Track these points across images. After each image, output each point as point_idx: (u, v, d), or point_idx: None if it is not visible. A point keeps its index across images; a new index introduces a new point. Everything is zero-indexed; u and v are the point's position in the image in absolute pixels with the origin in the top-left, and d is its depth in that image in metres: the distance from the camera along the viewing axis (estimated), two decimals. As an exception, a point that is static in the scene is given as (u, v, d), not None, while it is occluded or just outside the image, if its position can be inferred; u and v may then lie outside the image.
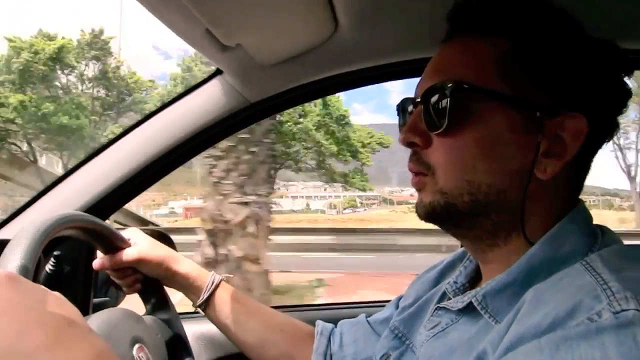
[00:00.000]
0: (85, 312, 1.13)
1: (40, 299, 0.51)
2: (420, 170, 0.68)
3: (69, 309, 0.53)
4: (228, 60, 1.04)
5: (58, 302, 0.52)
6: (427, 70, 0.69)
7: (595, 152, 0.67)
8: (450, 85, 0.63)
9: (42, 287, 0.53)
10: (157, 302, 0.98)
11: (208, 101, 1.14)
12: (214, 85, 1.14)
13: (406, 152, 0.71)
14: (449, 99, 0.62)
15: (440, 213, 0.66)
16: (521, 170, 0.61)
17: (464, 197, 0.63)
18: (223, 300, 1.00)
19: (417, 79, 0.72)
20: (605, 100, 0.64)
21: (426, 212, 0.67)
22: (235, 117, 1.16)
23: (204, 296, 0.99)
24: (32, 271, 0.58)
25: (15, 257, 0.58)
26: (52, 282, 1.08)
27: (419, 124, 0.67)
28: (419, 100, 0.68)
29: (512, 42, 0.62)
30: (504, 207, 0.63)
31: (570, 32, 0.63)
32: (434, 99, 0.64)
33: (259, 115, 1.19)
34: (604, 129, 0.65)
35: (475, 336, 0.61)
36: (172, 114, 1.15)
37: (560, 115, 0.60)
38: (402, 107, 0.76)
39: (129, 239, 0.96)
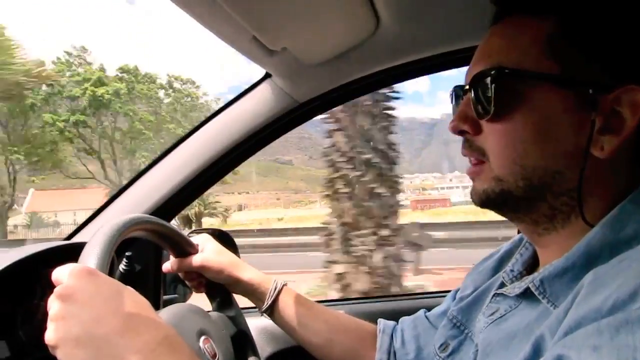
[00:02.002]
0: (156, 307, 1.20)
1: (115, 291, 0.59)
2: (475, 156, 0.67)
3: (139, 300, 0.60)
4: (275, 64, 1.08)
5: (130, 294, 0.60)
6: (475, 57, 0.68)
7: None
8: (494, 70, 0.62)
9: (115, 280, 0.61)
10: (222, 300, 1.03)
11: (259, 104, 1.19)
12: (264, 89, 1.19)
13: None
14: (494, 84, 0.62)
15: (495, 199, 0.66)
16: (576, 151, 0.60)
17: (518, 182, 0.63)
18: (287, 305, 1.03)
19: (464, 68, 0.72)
20: None
21: (481, 199, 0.67)
22: (285, 117, 1.20)
23: (268, 302, 1.02)
24: (107, 268, 0.64)
25: (93, 255, 0.64)
26: (125, 281, 1.15)
27: (468, 111, 0.67)
28: (467, 87, 0.68)
29: (561, 18, 0.61)
30: (561, 189, 0.62)
31: (620, 0, 0.61)
32: (481, 85, 0.64)
33: (308, 114, 1.22)
34: None
35: (535, 322, 0.60)
36: (227, 118, 1.21)
37: (616, 89, 0.58)
38: (454, 95, 0.75)
39: (197, 245, 1.01)
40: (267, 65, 1.10)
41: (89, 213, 1.28)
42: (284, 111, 1.19)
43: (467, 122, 0.67)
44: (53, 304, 0.57)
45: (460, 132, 0.69)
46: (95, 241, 0.67)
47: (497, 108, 0.62)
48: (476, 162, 0.68)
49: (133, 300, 0.59)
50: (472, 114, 0.66)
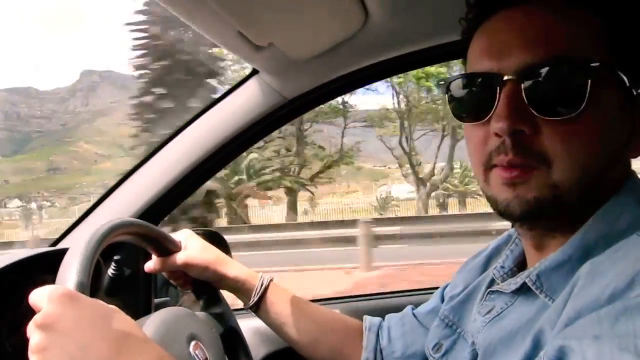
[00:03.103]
0: (147, 311, 1.19)
1: (99, 314, 0.55)
2: (529, 162, 0.58)
3: (126, 321, 0.57)
4: (262, 60, 1.06)
5: (116, 316, 0.56)
6: (519, 40, 0.59)
7: None
8: (571, 60, 0.56)
9: (99, 301, 0.57)
10: (208, 298, 1.01)
11: (247, 101, 1.16)
12: (252, 85, 1.16)
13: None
14: (569, 77, 0.56)
15: (545, 210, 0.59)
16: (620, 153, 0.59)
17: (573, 188, 0.58)
18: (273, 302, 1.02)
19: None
20: None
21: (530, 210, 0.59)
22: (274, 114, 1.18)
23: (254, 298, 1.01)
24: (89, 284, 0.61)
25: (71, 273, 0.60)
26: (115, 286, 1.14)
27: (522, 107, 0.58)
28: (514, 78, 0.58)
29: (609, 15, 0.59)
30: (600, 190, 0.60)
31: None
32: (546, 77, 0.57)
33: (297, 111, 1.20)
34: None
35: (534, 317, 0.59)
36: (213, 116, 1.18)
37: None
38: (472, 84, 0.65)
39: (179, 242, 0.99)
40: (253, 61, 1.08)
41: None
42: (273, 108, 1.16)
43: (527, 121, 0.58)
44: (33, 334, 0.53)
45: (515, 132, 0.58)
46: (74, 256, 0.63)
47: (570, 105, 0.56)
48: (526, 167, 0.59)
49: (120, 322, 0.55)
50: (528, 110, 0.57)
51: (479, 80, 0.63)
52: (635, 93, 0.58)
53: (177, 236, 1.00)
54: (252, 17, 0.86)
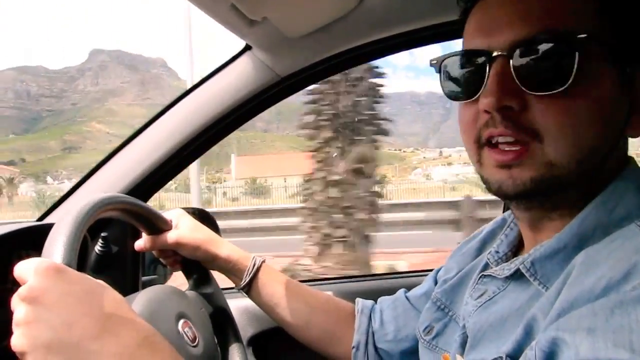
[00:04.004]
0: (135, 289, 1.18)
1: (86, 289, 0.53)
2: (522, 136, 0.57)
3: (115, 298, 0.55)
4: (256, 35, 1.04)
5: (104, 292, 0.54)
6: (508, 17, 0.58)
7: None
8: (556, 35, 0.55)
9: (87, 276, 0.55)
10: (198, 278, 1.00)
11: (239, 78, 1.14)
12: (244, 62, 1.14)
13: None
14: (557, 51, 0.55)
15: (543, 188, 0.58)
16: (618, 132, 0.58)
17: (571, 165, 0.57)
18: (265, 283, 1.01)
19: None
20: None
21: (526, 189, 0.58)
22: (266, 92, 1.16)
23: (246, 279, 1.00)
24: (76, 259, 0.59)
25: (58, 247, 0.58)
26: (102, 263, 1.13)
27: (511, 83, 0.57)
28: (503, 54, 0.57)
29: None
30: (599, 173, 0.59)
31: None
32: (535, 52, 0.56)
33: (290, 89, 1.18)
34: None
35: (526, 304, 0.58)
36: (205, 92, 1.16)
37: None
38: (463, 62, 0.64)
39: (170, 221, 0.97)
40: (247, 36, 1.06)
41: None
42: (265, 85, 1.14)
43: (515, 97, 0.57)
44: (18, 307, 0.51)
45: (504, 108, 0.58)
46: (60, 229, 0.61)
47: (559, 80, 0.55)
48: (520, 145, 0.58)
49: (108, 298, 0.53)
50: (517, 86, 0.57)
51: (470, 57, 0.63)
52: (628, 72, 0.57)
53: (168, 215, 0.99)
54: (246, -10, 0.84)
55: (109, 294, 0.55)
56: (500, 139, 0.59)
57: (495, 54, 0.58)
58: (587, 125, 0.56)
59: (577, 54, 0.54)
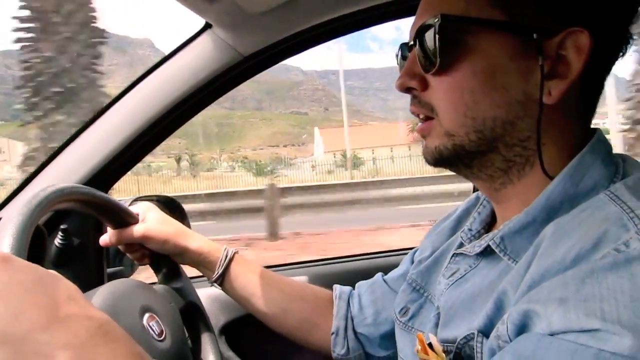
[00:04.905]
0: (100, 282, 1.14)
1: (35, 278, 0.49)
2: (424, 112, 0.65)
3: (66, 286, 0.51)
4: (216, 12, 0.99)
5: (54, 280, 0.51)
6: (419, 11, 0.66)
7: (607, 70, 0.62)
8: (437, 20, 0.59)
9: (37, 265, 0.51)
10: (168, 271, 0.97)
11: (199, 58, 1.09)
12: (204, 41, 1.09)
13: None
14: (438, 35, 0.59)
15: (448, 156, 0.64)
16: (526, 98, 0.59)
17: (470, 135, 0.61)
18: (239, 274, 0.99)
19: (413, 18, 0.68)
20: (609, 10, 0.59)
21: (434, 158, 0.65)
22: (229, 72, 1.11)
23: (218, 271, 0.98)
24: (26, 249, 0.56)
25: (6, 236, 0.56)
26: (63, 256, 1.08)
27: (414, 67, 0.65)
28: (411, 43, 0.65)
29: None
30: (513, 140, 0.61)
31: None
32: (425, 37, 0.62)
33: (254, 68, 1.14)
34: (613, 42, 0.61)
35: (497, 280, 0.59)
36: (164, 74, 1.10)
37: (560, 32, 0.57)
38: (400, 54, 0.73)
39: (137, 214, 0.94)
40: (206, 14, 1.01)
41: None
42: (228, 65, 1.09)
43: (415, 78, 0.65)
44: None
45: (408, 90, 0.67)
46: (10, 220, 0.58)
47: (442, 60, 0.60)
48: (425, 119, 0.66)
49: (58, 287, 0.50)
50: (418, 69, 0.64)
51: (402, 50, 0.73)
52: (535, 38, 0.57)
53: (135, 208, 0.96)
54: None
55: (60, 284, 0.51)
56: (420, 116, 0.66)
57: (410, 43, 0.66)
58: (477, 96, 0.60)
59: (437, 36, 0.59)
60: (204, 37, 1.09)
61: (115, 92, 1.15)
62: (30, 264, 0.51)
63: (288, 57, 1.17)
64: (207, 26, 1.08)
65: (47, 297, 0.48)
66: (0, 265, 0.48)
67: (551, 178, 0.59)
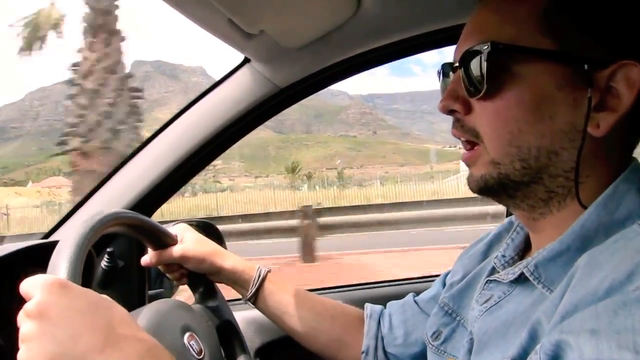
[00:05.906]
0: (142, 303, 1.19)
1: (91, 302, 0.54)
2: (467, 137, 0.65)
3: (118, 311, 0.56)
4: (254, 48, 1.05)
5: (108, 305, 0.56)
6: (464, 33, 0.66)
7: None
8: (486, 46, 0.59)
9: (91, 290, 0.56)
10: (204, 291, 1.01)
11: (239, 90, 1.15)
12: (243, 74, 1.15)
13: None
14: (487, 61, 0.59)
15: (493, 185, 0.63)
16: (572, 129, 0.58)
17: (515, 164, 0.61)
18: (271, 292, 1.01)
19: (450, 47, 0.70)
20: None
21: (479, 187, 0.65)
22: (267, 103, 1.17)
23: (252, 290, 1.00)
24: (80, 274, 0.60)
25: (62, 263, 0.60)
26: (108, 278, 1.14)
27: (458, 89, 0.65)
28: (456, 65, 0.65)
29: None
30: (557, 171, 0.60)
31: None
32: (472, 62, 0.61)
33: (290, 100, 1.19)
34: None
35: (531, 308, 0.58)
36: (205, 106, 1.17)
37: (612, 65, 0.56)
38: (442, 73, 0.73)
39: (175, 235, 0.98)
40: (245, 49, 1.07)
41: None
42: (265, 97, 1.15)
43: (458, 101, 0.65)
44: (24, 323, 0.52)
45: (450, 112, 0.66)
46: (65, 246, 0.62)
47: (489, 86, 0.59)
48: (470, 147, 0.65)
49: (111, 311, 0.55)
50: (462, 92, 0.64)
51: (445, 68, 0.72)
52: (586, 69, 0.56)
53: (173, 229, 1.00)
54: (243, 4, 0.85)
55: (112, 308, 0.56)
56: (462, 139, 0.66)
57: (455, 65, 0.66)
58: (523, 125, 0.59)
59: (486, 62, 0.59)
60: (243, 71, 1.15)
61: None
62: (85, 289, 0.56)
63: (323, 88, 1.22)
64: (246, 60, 1.14)
65: (102, 320, 0.53)
66: (59, 291, 0.53)
67: (586, 208, 0.58)
